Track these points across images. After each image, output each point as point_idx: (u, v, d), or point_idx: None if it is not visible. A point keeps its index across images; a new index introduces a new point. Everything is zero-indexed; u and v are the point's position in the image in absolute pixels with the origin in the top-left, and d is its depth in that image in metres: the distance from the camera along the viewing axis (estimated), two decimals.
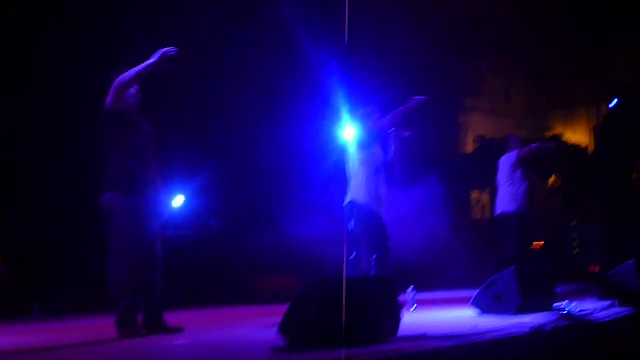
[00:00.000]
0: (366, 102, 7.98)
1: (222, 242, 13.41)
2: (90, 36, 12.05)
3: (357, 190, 7.66)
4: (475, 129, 27.95)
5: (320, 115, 9.89)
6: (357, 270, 7.38)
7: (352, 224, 7.61)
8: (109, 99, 6.25)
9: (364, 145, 7.68)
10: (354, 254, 7.50)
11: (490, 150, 10.15)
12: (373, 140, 7.74)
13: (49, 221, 12.02)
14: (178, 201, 7.28)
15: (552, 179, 24.35)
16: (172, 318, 6.75)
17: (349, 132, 7.87)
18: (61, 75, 11.77)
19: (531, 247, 11.04)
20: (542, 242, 19.55)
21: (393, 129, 7.83)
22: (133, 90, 6.44)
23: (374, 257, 7.56)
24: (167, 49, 6.16)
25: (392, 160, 7.87)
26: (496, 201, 10.01)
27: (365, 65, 15.98)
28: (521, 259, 9.13)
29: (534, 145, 10.17)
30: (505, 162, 9.92)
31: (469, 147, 27.22)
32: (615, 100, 23.19)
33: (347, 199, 7.69)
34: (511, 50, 28.16)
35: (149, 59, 6.19)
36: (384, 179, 7.78)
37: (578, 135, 26.79)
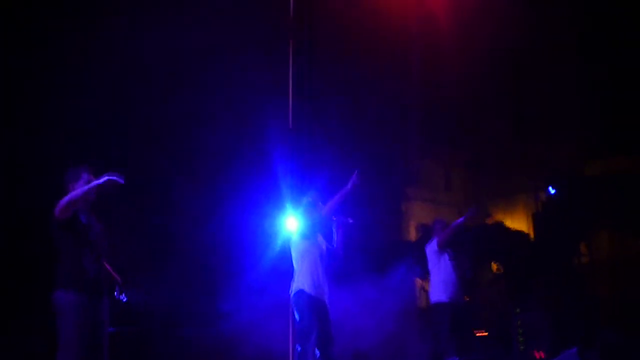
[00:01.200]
0: (307, 190, 7.96)
1: (163, 337, 13.16)
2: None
3: (301, 280, 7.58)
4: (417, 217, 28.23)
5: (265, 202, 9.87)
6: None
7: (297, 315, 7.52)
8: (58, 209, 6.35)
9: (306, 235, 7.65)
10: (299, 347, 7.38)
11: (432, 238, 10.20)
12: (314, 229, 7.71)
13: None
14: (119, 294, 7.15)
15: (494, 266, 24.56)
16: None
17: (291, 221, 7.84)
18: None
19: (475, 336, 10.96)
20: (486, 332, 19.56)
21: (335, 217, 7.80)
22: (84, 190, 6.49)
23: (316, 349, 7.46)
24: (114, 175, 6.33)
25: (337, 247, 7.80)
26: (429, 289, 9.90)
27: (309, 152, 16.06)
28: (457, 348, 9.03)
29: (454, 224, 9.81)
30: (430, 249, 9.82)
31: (412, 235, 27.41)
32: (553, 188, 23.68)
33: (293, 289, 7.61)
34: (451, 140, 28.75)
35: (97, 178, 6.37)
36: (325, 267, 7.72)
37: (517, 222, 27.18)
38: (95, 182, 6.35)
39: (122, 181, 6.47)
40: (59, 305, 6.33)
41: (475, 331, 18.89)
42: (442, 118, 25.98)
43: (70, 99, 12.38)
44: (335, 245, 7.77)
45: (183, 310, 13.47)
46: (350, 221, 7.78)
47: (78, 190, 6.38)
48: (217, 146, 14.39)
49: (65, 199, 6.34)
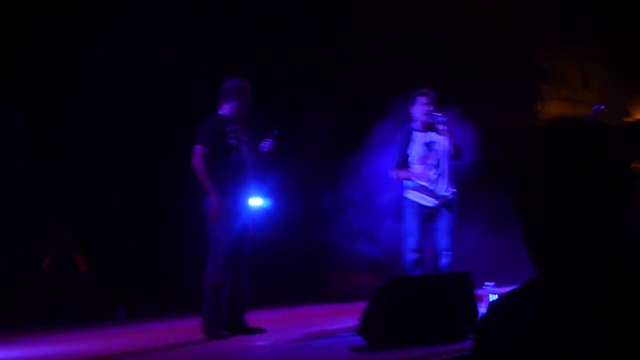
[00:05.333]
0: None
1: (300, 241, 13.48)
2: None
3: (407, 184, 7.36)
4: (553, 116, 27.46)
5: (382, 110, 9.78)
6: (424, 267, 7.13)
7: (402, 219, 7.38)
8: (194, 162, 6.61)
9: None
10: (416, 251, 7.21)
11: None
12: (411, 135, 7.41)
13: (133, 225, 12.28)
14: (256, 202, 7.40)
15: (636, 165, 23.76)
16: (251, 318, 6.86)
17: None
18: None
19: None
20: None
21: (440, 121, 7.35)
22: (246, 103, 6.86)
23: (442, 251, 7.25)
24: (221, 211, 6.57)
25: (449, 152, 7.37)
26: None
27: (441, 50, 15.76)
28: None
29: None
30: None
31: None
32: None
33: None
34: (586, 36, 27.57)
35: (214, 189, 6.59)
36: (442, 171, 7.34)
37: None
38: (212, 189, 6.55)
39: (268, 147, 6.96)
40: (208, 210, 6.59)
41: None
42: (577, 11, 24.88)
43: None
44: (449, 151, 7.37)
45: (321, 215, 13.66)
46: (444, 123, 7.14)
47: (202, 176, 6.54)
48: None
49: (197, 169, 6.56)
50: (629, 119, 27.18)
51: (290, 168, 11.75)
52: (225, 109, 6.84)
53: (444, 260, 7.07)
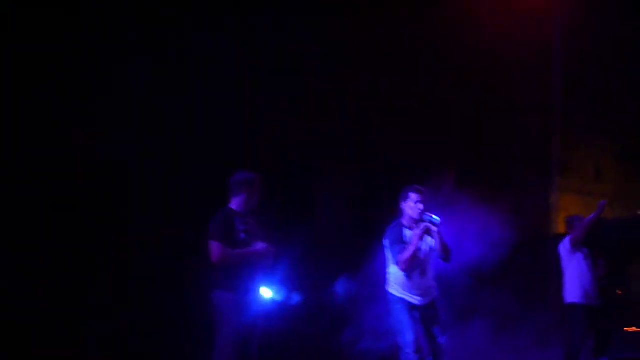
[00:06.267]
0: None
1: (310, 332, 13.38)
2: None
3: (392, 283, 7.37)
4: (566, 209, 27.41)
5: None
6: None
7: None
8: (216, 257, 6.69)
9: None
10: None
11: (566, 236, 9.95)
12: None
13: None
14: (266, 293, 7.43)
15: None
16: None
17: None
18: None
19: (624, 332, 10.54)
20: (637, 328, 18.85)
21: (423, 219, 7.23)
22: (256, 195, 6.96)
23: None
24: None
25: (437, 253, 7.21)
26: (563, 288, 9.67)
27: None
28: (595, 349, 8.80)
29: (585, 220, 9.42)
30: (563, 247, 9.56)
31: (561, 228, 26.65)
32: None
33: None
34: (601, 128, 27.78)
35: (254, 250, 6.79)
36: (426, 270, 7.24)
37: None
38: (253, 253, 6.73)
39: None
40: (217, 304, 6.68)
41: (625, 328, 18.30)
42: (591, 106, 25.15)
43: None
44: (436, 252, 7.19)
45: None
46: (437, 221, 6.88)
47: (234, 259, 6.67)
48: None
49: (223, 263, 6.65)
50: None
51: (301, 259, 11.76)
52: (235, 203, 6.94)
53: (441, 341, 7.01)
